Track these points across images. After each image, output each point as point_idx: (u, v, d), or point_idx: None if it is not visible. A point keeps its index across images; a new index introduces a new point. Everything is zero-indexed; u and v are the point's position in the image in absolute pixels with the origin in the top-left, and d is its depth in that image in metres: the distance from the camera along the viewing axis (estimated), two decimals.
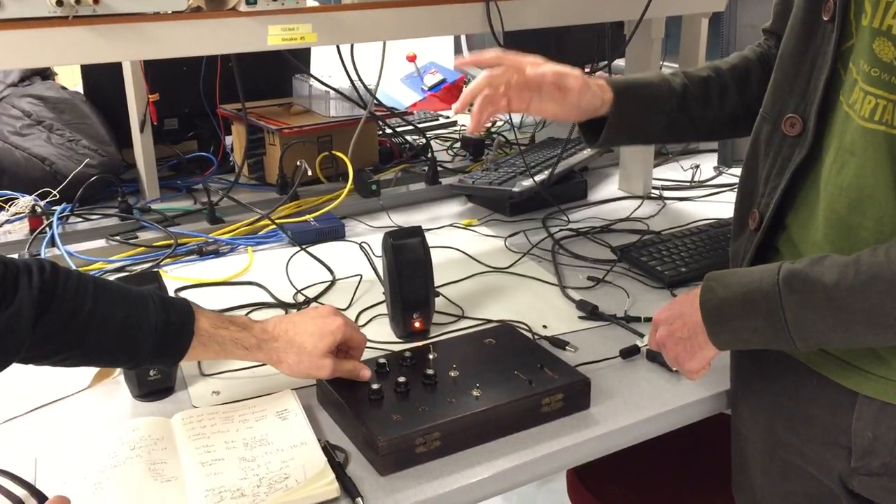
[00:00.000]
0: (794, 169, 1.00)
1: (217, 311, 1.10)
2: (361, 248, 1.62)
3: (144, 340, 0.99)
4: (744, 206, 1.10)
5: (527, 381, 1.11)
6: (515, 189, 1.76)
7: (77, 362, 1.00)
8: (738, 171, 2.00)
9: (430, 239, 1.33)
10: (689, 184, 2.01)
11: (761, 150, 1.07)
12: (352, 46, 1.84)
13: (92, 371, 1.19)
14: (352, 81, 1.91)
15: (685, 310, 1.04)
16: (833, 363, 0.99)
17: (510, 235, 1.72)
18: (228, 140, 2.08)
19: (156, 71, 1.81)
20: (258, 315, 1.40)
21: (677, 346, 1.06)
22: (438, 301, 1.38)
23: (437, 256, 1.36)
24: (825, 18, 0.97)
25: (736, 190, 1.14)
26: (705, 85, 1.22)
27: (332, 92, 1.95)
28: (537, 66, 1.11)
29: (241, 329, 1.07)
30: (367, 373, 1.11)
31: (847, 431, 0.99)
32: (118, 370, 1.20)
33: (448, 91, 2.68)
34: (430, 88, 2.69)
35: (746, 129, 1.21)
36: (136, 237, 1.66)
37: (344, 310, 1.41)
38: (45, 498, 0.91)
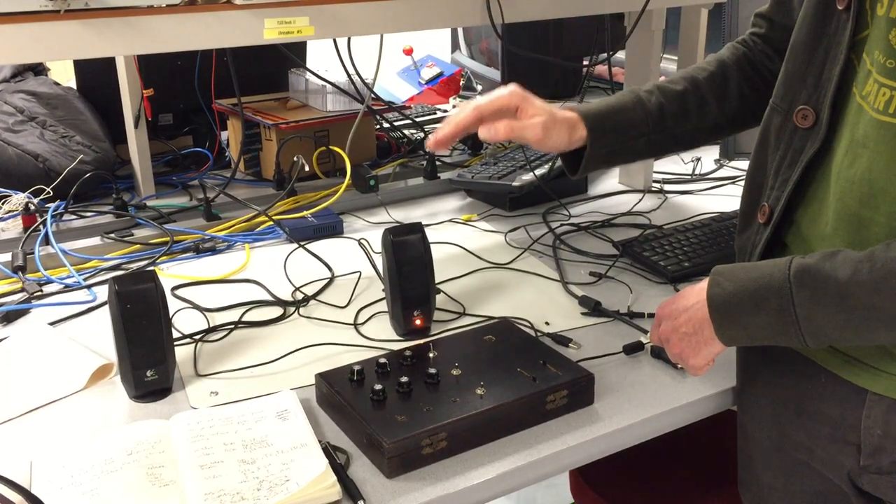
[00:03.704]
0: (807, 162, 0.98)
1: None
2: (360, 244, 1.60)
3: None
4: (752, 199, 1.08)
5: (530, 378, 1.10)
6: (515, 183, 1.74)
7: None
8: (739, 163, 2.00)
9: (429, 234, 1.31)
10: (690, 177, 2.00)
11: (771, 142, 1.05)
12: (349, 40, 1.83)
13: (88, 371, 1.18)
14: (349, 75, 1.90)
15: (690, 304, 1.02)
16: (842, 360, 0.98)
17: (510, 230, 1.70)
18: (224, 135, 2.06)
19: (150, 65, 1.79)
20: (257, 314, 1.38)
21: (682, 342, 1.04)
22: (439, 298, 1.36)
23: (436, 252, 1.34)
24: (840, 7, 0.95)
25: (743, 182, 1.12)
26: (682, 100, 1.20)
27: (328, 86, 1.93)
28: (491, 127, 1.09)
29: None
30: None
31: (856, 429, 0.97)
32: (114, 370, 1.18)
33: (445, 84, 2.66)
34: (428, 82, 2.67)
35: (731, 132, 1.20)
36: (132, 234, 1.65)
37: (343, 307, 1.39)
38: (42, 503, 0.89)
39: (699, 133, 1.23)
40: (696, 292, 1.01)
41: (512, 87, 1.13)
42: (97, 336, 1.28)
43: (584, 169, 1.19)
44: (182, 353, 1.24)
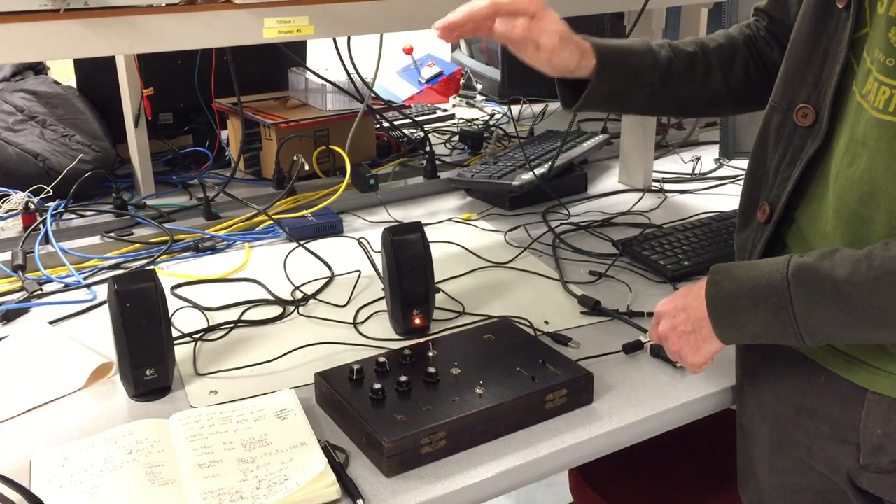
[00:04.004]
0: (807, 160, 0.98)
1: None
2: (360, 243, 1.60)
3: None
4: (752, 197, 1.08)
5: (529, 377, 1.10)
6: (515, 182, 1.74)
7: None
8: (739, 163, 2.00)
9: (429, 233, 1.31)
10: (690, 176, 2.00)
11: (771, 141, 1.05)
12: (348, 39, 1.82)
13: (87, 370, 1.18)
14: (349, 74, 1.90)
15: (689, 303, 1.02)
16: (841, 359, 0.98)
17: (510, 230, 1.70)
18: (224, 135, 2.06)
19: (150, 65, 1.79)
20: (256, 313, 1.38)
21: (680, 340, 1.04)
22: (438, 297, 1.36)
23: (436, 251, 1.34)
24: (840, 6, 0.95)
25: (741, 181, 1.12)
26: (690, 61, 1.19)
27: (328, 85, 1.93)
28: (509, 22, 1.05)
29: None
30: None
31: (856, 428, 0.97)
32: (114, 369, 1.18)
33: (445, 83, 2.66)
34: (428, 81, 2.67)
35: (726, 109, 1.16)
36: (132, 234, 1.65)
37: (343, 306, 1.40)
38: (41, 502, 0.89)
39: (700, 100, 1.21)
40: (695, 291, 1.01)
41: None
42: (97, 335, 1.29)
43: (583, 102, 1.15)
44: (181, 352, 1.24)
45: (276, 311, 1.38)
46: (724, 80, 1.20)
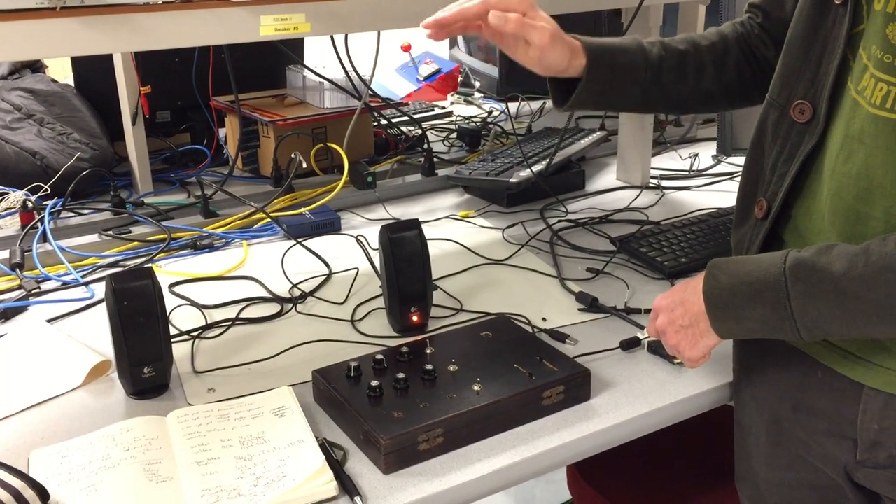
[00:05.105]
0: (804, 157, 0.98)
1: None
2: (357, 241, 1.60)
3: None
4: (749, 193, 1.08)
5: (527, 374, 1.10)
6: (513, 180, 1.74)
7: None
8: (736, 159, 2.01)
9: (427, 231, 1.31)
10: (687, 173, 2.00)
11: (768, 137, 1.05)
12: (346, 36, 1.82)
13: (85, 368, 1.18)
14: (346, 72, 1.89)
15: (687, 297, 1.02)
16: (838, 354, 0.98)
17: (508, 227, 1.70)
18: (222, 132, 2.06)
19: (147, 63, 1.79)
20: (254, 311, 1.38)
21: (678, 335, 1.04)
22: (436, 294, 1.37)
23: (434, 249, 1.34)
24: (837, 2, 0.95)
25: (739, 177, 1.12)
26: (682, 59, 1.19)
27: (326, 83, 1.93)
28: (502, 15, 1.05)
29: None
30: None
31: (853, 423, 0.98)
32: (112, 367, 1.18)
33: (443, 81, 2.66)
34: (426, 78, 2.67)
35: (719, 106, 1.16)
36: (130, 232, 1.65)
37: (340, 304, 1.40)
38: (43, 489, 0.89)
39: (692, 97, 1.21)
40: (693, 285, 1.01)
41: None
42: (95, 333, 1.29)
43: (574, 101, 1.15)
44: (179, 349, 1.24)
45: (273, 308, 1.38)
46: (716, 77, 1.20)
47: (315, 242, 1.63)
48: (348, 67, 1.87)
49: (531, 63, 1.10)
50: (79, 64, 1.97)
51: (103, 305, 1.15)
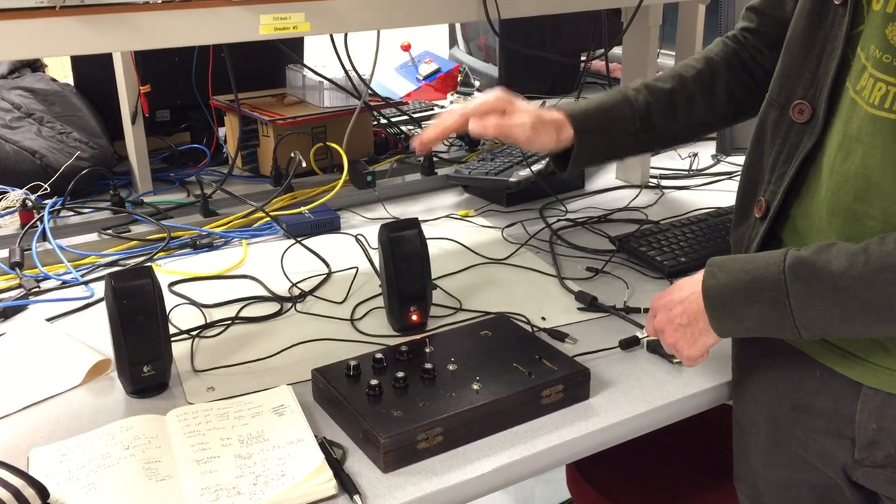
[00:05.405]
0: (803, 157, 0.98)
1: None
2: (357, 240, 1.60)
3: None
4: (748, 193, 1.08)
5: (526, 373, 1.10)
6: (512, 179, 1.74)
7: None
8: (736, 159, 2.01)
9: (427, 230, 1.31)
10: (687, 172, 2.00)
11: (767, 137, 1.05)
12: (346, 36, 1.82)
13: (85, 367, 1.18)
14: (346, 71, 1.89)
15: (686, 296, 1.02)
16: (836, 353, 0.98)
17: (507, 226, 1.70)
18: (221, 132, 2.06)
19: (147, 62, 1.79)
20: (254, 310, 1.38)
21: (676, 333, 1.04)
22: (435, 293, 1.37)
23: (433, 248, 1.35)
24: (837, 2, 0.95)
25: (738, 177, 1.12)
26: (669, 99, 1.22)
27: (325, 82, 1.93)
28: (480, 122, 1.13)
29: None
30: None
31: (851, 422, 0.98)
32: (111, 366, 1.18)
33: (443, 80, 2.66)
34: (425, 78, 2.67)
35: (718, 128, 1.20)
36: (129, 231, 1.65)
37: (340, 303, 1.40)
38: (43, 487, 0.89)
39: (688, 130, 1.25)
40: (692, 283, 1.01)
41: (497, 92, 1.17)
42: (94, 332, 1.29)
43: (572, 168, 1.21)
44: (179, 349, 1.24)
45: (273, 307, 1.38)
46: (706, 107, 1.23)
47: (314, 241, 1.63)
48: (348, 67, 1.87)
49: (522, 147, 1.19)
50: (78, 63, 1.97)
51: (103, 304, 1.15)
